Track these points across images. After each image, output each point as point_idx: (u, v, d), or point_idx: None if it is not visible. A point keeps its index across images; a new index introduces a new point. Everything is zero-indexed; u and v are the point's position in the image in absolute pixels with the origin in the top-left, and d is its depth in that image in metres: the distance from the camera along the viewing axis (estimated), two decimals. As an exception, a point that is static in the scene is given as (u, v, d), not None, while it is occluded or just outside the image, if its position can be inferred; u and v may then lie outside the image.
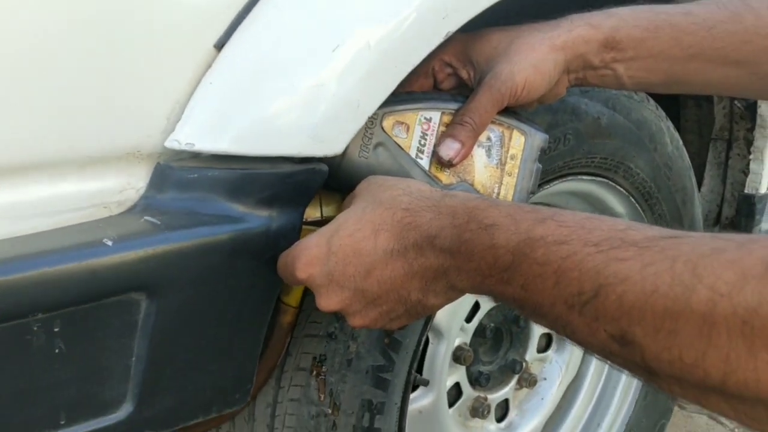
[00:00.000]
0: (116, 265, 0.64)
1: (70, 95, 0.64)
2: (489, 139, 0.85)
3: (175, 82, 0.69)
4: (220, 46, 0.71)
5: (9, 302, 0.60)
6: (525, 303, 0.59)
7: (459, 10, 0.77)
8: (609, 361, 0.55)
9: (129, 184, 0.70)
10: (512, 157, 0.86)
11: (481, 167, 0.85)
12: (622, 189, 1.27)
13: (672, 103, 1.52)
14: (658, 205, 1.33)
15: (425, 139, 0.83)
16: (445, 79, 0.88)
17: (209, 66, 0.70)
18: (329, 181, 0.78)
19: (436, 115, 0.83)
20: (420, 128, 0.83)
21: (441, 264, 0.65)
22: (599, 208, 1.30)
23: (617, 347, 0.51)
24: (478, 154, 0.85)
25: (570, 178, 1.18)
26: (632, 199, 1.29)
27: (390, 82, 0.76)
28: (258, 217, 0.72)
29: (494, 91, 0.81)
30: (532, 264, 0.57)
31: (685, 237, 0.51)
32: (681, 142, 1.33)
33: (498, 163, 0.86)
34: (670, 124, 1.30)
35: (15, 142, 0.63)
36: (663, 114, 1.28)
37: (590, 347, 0.55)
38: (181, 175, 0.70)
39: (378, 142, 0.81)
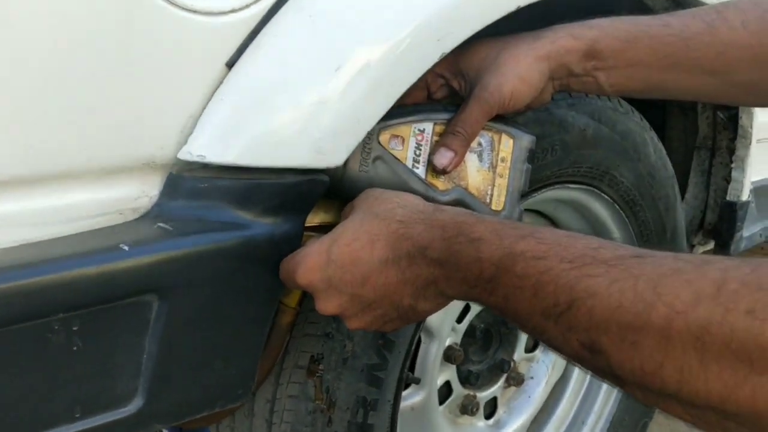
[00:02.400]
0: (132, 269, 0.67)
1: (90, 110, 0.67)
2: (480, 144, 0.88)
3: (189, 97, 0.72)
4: (231, 64, 0.73)
5: (33, 303, 0.63)
6: (506, 311, 0.63)
7: (451, 34, 0.81)
8: (581, 367, 0.58)
9: (143, 192, 0.73)
10: (503, 160, 0.89)
11: (474, 172, 0.88)
12: (607, 197, 1.29)
13: (658, 113, 1.55)
14: (641, 212, 1.34)
15: (420, 150, 0.86)
16: (438, 90, 0.91)
17: (221, 83, 0.73)
18: (333, 193, 0.81)
19: (428, 126, 0.86)
20: (414, 139, 0.86)
21: (431, 273, 0.68)
22: (585, 215, 1.33)
23: (588, 355, 0.55)
24: (471, 159, 0.88)
25: (558, 186, 1.20)
26: (617, 207, 1.31)
27: (388, 98, 0.79)
28: (263, 225, 0.75)
29: (483, 102, 0.83)
30: (512, 277, 0.61)
31: (649, 257, 0.54)
32: (664, 152, 1.35)
33: (490, 166, 0.89)
34: (654, 134, 1.32)
35: (39, 154, 0.66)
36: (647, 125, 1.30)
37: (564, 353, 0.59)
38: (191, 185, 0.73)
39: (376, 156, 0.84)
